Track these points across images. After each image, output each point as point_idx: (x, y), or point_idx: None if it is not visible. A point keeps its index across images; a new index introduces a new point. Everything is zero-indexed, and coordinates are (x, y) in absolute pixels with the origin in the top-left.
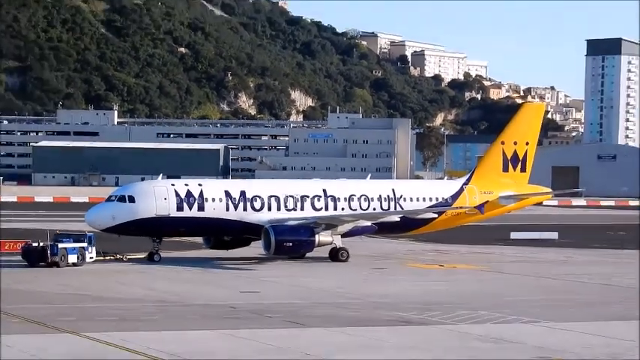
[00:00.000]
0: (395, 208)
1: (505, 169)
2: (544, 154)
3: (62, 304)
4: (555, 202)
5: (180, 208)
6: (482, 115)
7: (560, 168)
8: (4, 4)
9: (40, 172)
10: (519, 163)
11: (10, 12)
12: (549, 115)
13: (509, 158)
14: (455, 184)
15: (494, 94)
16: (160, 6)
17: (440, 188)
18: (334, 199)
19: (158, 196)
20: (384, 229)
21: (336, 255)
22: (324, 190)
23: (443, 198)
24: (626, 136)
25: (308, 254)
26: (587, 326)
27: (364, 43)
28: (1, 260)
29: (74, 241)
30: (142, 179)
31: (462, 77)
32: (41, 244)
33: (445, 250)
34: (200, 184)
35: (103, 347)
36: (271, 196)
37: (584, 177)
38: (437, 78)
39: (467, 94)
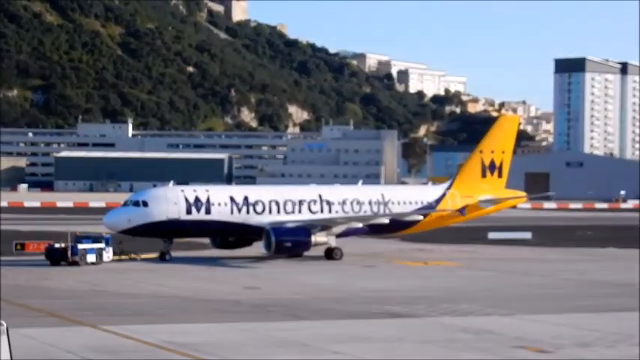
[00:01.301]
0: (384, 211)
1: (483, 175)
2: (518, 161)
3: (81, 300)
4: (529, 205)
5: (189, 212)
6: (462, 126)
7: (532, 174)
8: (31, 30)
9: (62, 179)
10: (496, 170)
11: (36, 36)
12: (522, 127)
13: (487, 165)
14: (438, 189)
15: (472, 108)
16: (170, 30)
17: (425, 193)
18: (329, 203)
19: (169, 201)
20: (374, 230)
21: (330, 254)
22: (320, 195)
23: (427, 202)
24: (591, 145)
25: (305, 253)
26: (560, 318)
27: (354, 62)
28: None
29: (93, 242)
30: (155, 186)
31: (442, 93)
32: (63, 244)
33: (429, 249)
34: (207, 190)
35: (118, 339)
36: (271, 201)
37: (554, 182)
38: (420, 93)
39: (447, 108)
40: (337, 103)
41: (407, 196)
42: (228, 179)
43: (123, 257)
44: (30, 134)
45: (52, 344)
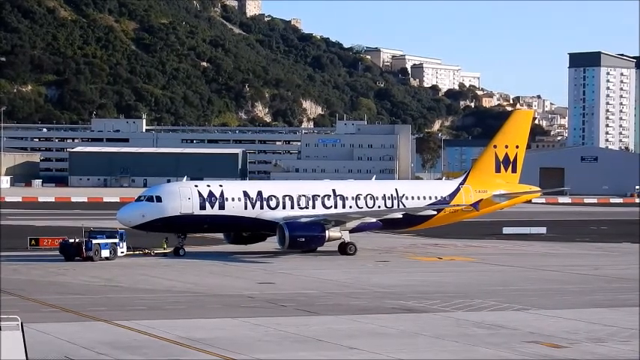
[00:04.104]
0: (398, 206)
1: (497, 170)
2: (532, 156)
3: (95, 295)
4: (543, 200)
5: (202, 207)
6: (476, 121)
7: (547, 169)
8: (45, 25)
9: (76, 175)
10: (510, 165)
11: (49, 32)
12: (536, 122)
13: (501, 160)
14: (452, 184)
15: (487, 103)
16: (184, 25)
17: (438, 188)
18: (343, 198)
19: (183, 196)
20: (388, 225)
21: (344, 249)
22: (334, 190)
23: (441, 197)
24: (606, 140)
25: (319, 248)
26: (574, 313)
27: (368, 57)
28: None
29: (107, 238)
30: (168, 181)
31: (457, 87)
32: (77, 240)
33: (443, 244)
34: (221, 185)
35: (133, 334)
36: (285, 196)
37: (568, 177)
38: (434, 88)
39: (462, 103)
40: (351, 97)
41: (421, 191)
42: (242, 174)
43: (137, 252)
44: (44, 129)
45: (66, 339)
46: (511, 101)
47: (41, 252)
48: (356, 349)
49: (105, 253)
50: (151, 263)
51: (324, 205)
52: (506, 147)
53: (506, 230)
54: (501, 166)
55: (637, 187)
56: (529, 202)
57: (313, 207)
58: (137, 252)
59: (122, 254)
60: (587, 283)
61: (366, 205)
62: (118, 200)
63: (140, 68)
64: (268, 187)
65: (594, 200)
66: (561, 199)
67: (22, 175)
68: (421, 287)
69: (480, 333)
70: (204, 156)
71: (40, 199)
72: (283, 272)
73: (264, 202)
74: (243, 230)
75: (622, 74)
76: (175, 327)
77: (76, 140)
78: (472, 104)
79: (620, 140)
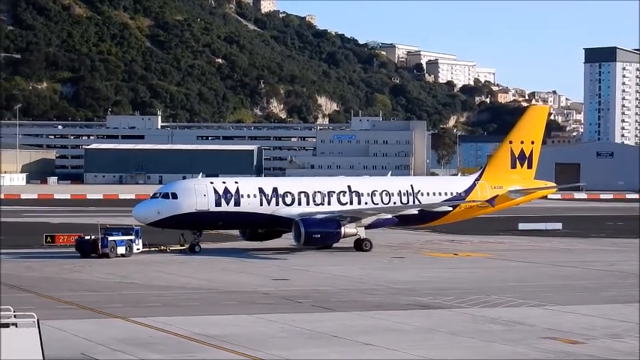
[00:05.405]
0: (413, 202)
1: (513, 165)
2: (548, 152)
3: (111, 292)
4: (559, 196)
5: (218, 204)
6: (491, 117)
7: (562, 165)
8: (60, 22)
9: (91, 172)
10: (526, 161)
11: (65, 29)
12: (552, 117)
13: (516, 156)
14: (468, 180)
15: (502, 98)
16: (199, 22)
17: (454, 184)
18: (358, 195)
19: (198, 193)
20: (403, 221)
21: (360, 245)
22: (349, 187)
23: (457, 192)
24: (622, 135)
25: (335, 245)
26: (590, 309)
27: (383, 53)
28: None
29: (122, 234)
30: (184, 178)
31: (472, 83)
32: (93, 237)
33: (459, 240)
34: (236, 182)
35: (149, 331)
36: (301, 192)
37: (584, 173)
38: (449, 84)
39: (477, 99)
40: (366, 94)
41: (436, 187)
42: (258, 171)
43: (152, 249)
44: (59, 127)
45: (82, 336)
46: (526, 97)
47: (57, 249)
48: (371, 345)
49: (121, 250)
50: (166, 260)
51: (339, 202)
52: (522, 143)
53: (521, 226)
54: (517, 161)
55: None
56: (545, 197)
57: (329, 203)
58: (153, 249)
59: (138, 251)
60: (602, 279)
61: (382, 201)
62: (134, 197)
63: (155, 65)
64: (284, 184)
65: (610, 196)
66: (577, 195)
67: (37, 172)
68: (437, 283)
69: (496, 329)
70: (219, 153)
71: (56, 196)
72: (298, 269)
73: (280, 199)
74: (259, 227)
75: (638, 69)
76: (191, 323)
77: (91, 137)
78: (487, 100)
79: (636, 135)
